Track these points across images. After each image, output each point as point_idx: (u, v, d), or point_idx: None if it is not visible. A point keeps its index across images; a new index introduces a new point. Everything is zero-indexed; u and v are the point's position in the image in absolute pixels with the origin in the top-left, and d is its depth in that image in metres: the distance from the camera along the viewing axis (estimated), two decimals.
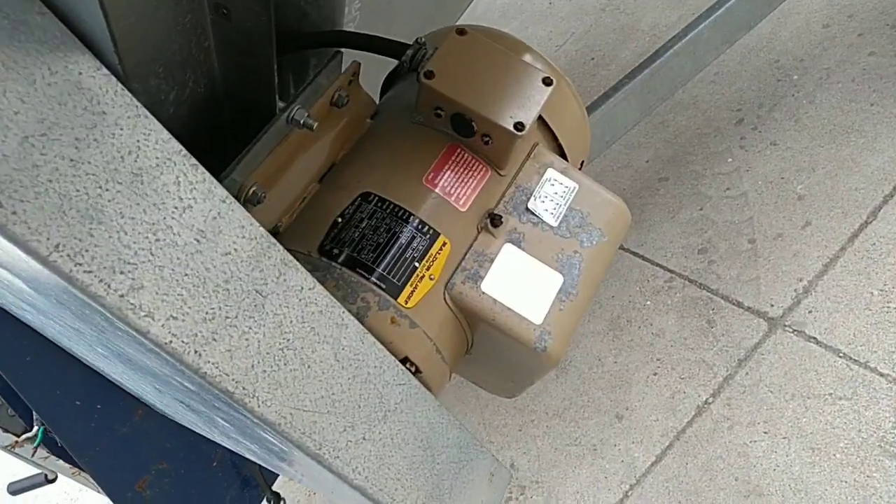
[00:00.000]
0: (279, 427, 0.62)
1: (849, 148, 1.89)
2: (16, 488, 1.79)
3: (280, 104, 0.90)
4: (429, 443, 0.78)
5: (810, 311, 1.69)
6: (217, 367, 0.57)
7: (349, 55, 0.92)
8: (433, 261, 0.85)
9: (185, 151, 0.54)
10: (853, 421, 1.51)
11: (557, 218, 0.92)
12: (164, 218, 0.53)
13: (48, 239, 0.46)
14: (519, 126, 0.84)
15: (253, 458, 1.14)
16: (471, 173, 0.90)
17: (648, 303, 1.89)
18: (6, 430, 1.56)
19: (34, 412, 1.17)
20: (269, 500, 1.49)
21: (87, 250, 0.48)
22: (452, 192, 0.89)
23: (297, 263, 0.62)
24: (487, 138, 0.87)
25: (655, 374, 1.78)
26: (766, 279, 1.79)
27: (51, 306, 0.69)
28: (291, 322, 0.62)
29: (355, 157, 0.92)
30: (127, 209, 0.51)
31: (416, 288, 0.83)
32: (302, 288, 0.63)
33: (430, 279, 0.84)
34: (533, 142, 0.95)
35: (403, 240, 0.84)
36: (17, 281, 0.66)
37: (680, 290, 1.88)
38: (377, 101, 1.01)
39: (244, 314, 0.59)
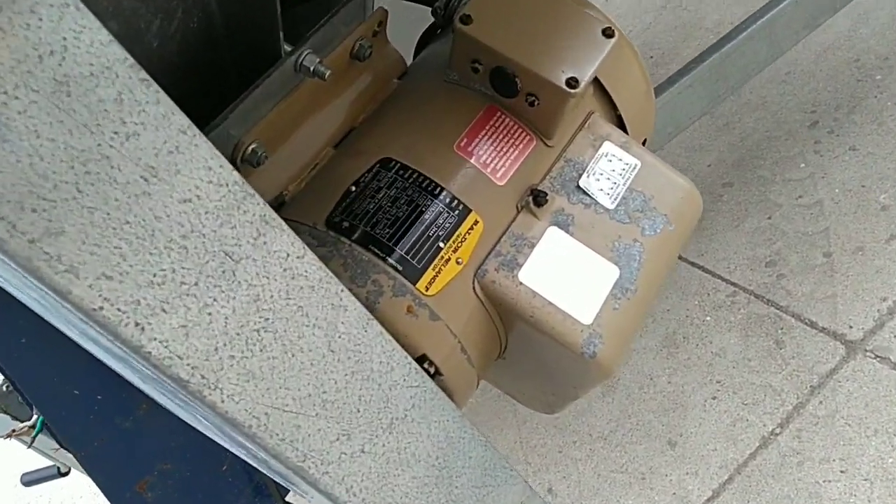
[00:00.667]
0: (250, 429, 0.49)
1: None
2: (29, 479, 1.72)
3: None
4: (445, 461, 0.63)
5: (895, 335, 1.49)
6: (166, 347, 0.44)
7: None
8: (462, 242, 0.70)
9: (132, 61, 0.41)
10: None
11: (614, 199, 0.77)
12: (99, 145, 0.40)
13: None
14: (572, 82, 0.70)
15: (252, 464, 1.01)
16: (512, 141, 0.76)
17: (708, 318, 1.71)
18: (15, 418, 1.47)
19: (28, 399, 1.06)
20: None
21: None
22: (489, 162, 0.74)
23: (283, 223, 0.49)
24: (533, 98, 0.73)
25: (715, 398, 1.59)
26: (843, 297, 1.59)
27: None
28: (272, 297, 0.49)
29: (377, 121, 0.79)
30: (44, 127, 0.38)
31: (439, 272, 0.69)
32: (288, 255, 0.49)
33: (458, 263, 0.70)
34: (588, 109, 0.81)
35: (427, 215, 0.70)
36: None
37: (744, 305, 1.69)
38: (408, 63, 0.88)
39: (207, 281, 0.45)
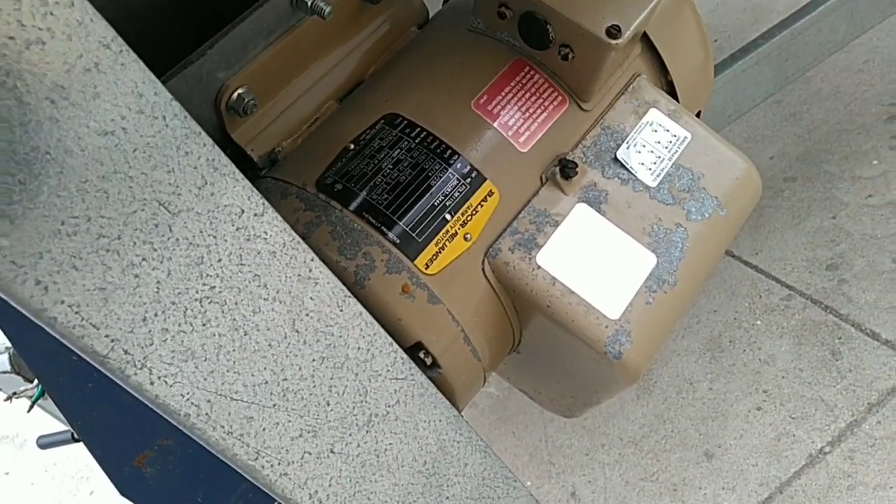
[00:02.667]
0: (187, 419, 0.41)
1: None
2: (45, 442, 1.70)
3: None
4: (435, 468, 0.54)
5: None
6: (77, 313, 0.36)
7: None
8: (472, 214, 0.61)
9: None
10: None
11: (657, 176, 0.66)
12: None
13: None
14: (613, 31, 0.59)
15: None
16: (540, 101, 0.66)
17: (759, 322, 1.58)
18: (26, 379, 1.44)
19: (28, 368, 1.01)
20: None
21: None
22: (511, 124, 0.64)
23: (236, 171, 0.40)
24: (567, 50, 0.63)
25: (759, 408, 1.46)
26: None
27: None
28: (220, 261, 0.40)
29: (389, 73, 0.69)
30: None
31: (443, 248, 0.59)
32: (243, 211, 0.41)
33: (466, 239, 0.60)
34: (634, 71, 0.70)
35: (433, 181, 0.60)
36: None
37: (800, 310, 1.55)
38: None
39: (134, 235, 0.37)
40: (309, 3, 0.59)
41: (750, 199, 0.69)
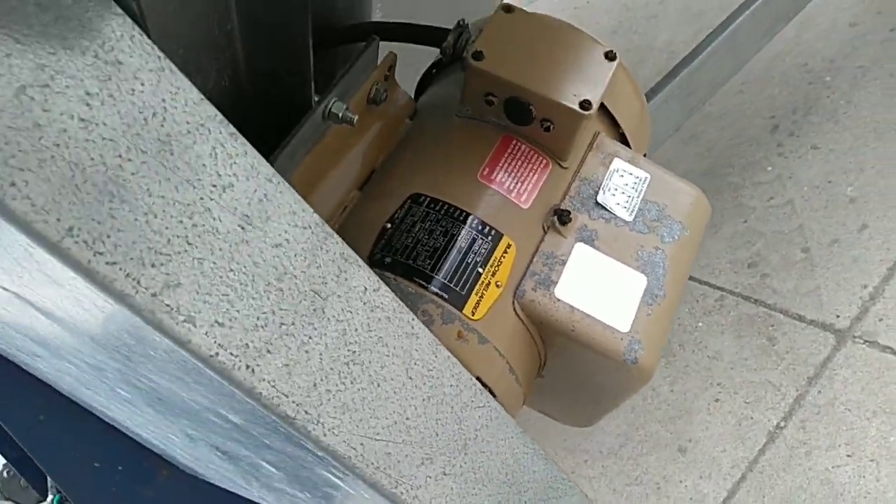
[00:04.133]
0: (349, 461, 0.51)
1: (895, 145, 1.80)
2: None
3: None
4: (513, 477, 0.66)
5: (881, 319, 1.57)
6: (274, 387, 0.46)
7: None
8: (498, 265, 0.74)
9: (221, 117, 0.44)
10: None
11: (631, 211, 0.81)
12: (202, 198, 0.43)
13: (58, 220, 0.36)
14: (585, 104, 0.75)
15: None
16: (530, 166, 0.80)
17: (700, 324, 1.77)
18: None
19: (49, 478, 1.05)
20: None
21: (108, 235, 0.38)
22: (512, 187, 0.78)
23: (358, 259, 0.51)
24: (548, 123, 0.78)
25: (717, 400, 1.64)
26: (826, 289, 1.67)
27: (65, 336, 0.59)
28: (356, 330, 0.51)
29: (398, 161, 0.82)
30: (155, 185, 0.40)
31: (482, 297, 0.72)
32: (366, 289, 0.52)
33: (497, 286, 0.73)
34: (594, 130, 0.85)
35: (463, 243, 0.73)
36: (22, 305, 0.56)
37: (733, 308, 1.75)
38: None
39: (302, 320, 0.48)
40: (339, 115, 0.71)
41: (704, 218, 0.86)
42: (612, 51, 0.79)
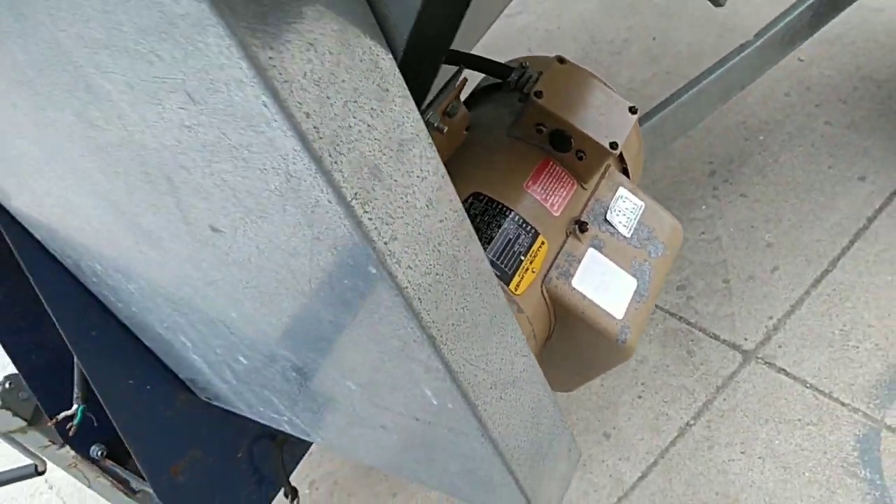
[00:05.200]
0: (456, 375, 0.74)
1: (810, 204, 2.17)
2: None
3: None
4: (536, 413, 0.91)
5: (780, 346, 1.92)
6: (429, 315, 0.69)
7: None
8: (535, 256, 0.99)
9: (426, 132, 0.66)
10: (819, 444, 1.73)
11: (630, 230, 1.08)
12: (412, 183, 0.65)
13: (351, 188, 0.58)
14: (613, 145, 1.01)
15: (292, 424, 1.20)
16: (561, 184, 1.05)
17: None
18: (16, 414, 1.56)
19: (92, 385, 1.21)
20: (286, 494, 1.56)
21: (370, 202, 0.60)
22: (547, 199, 1.03)
23: (477, 238, 0.75)
24: (581, 154, 1.03)
25: (640, 397, 1.95)
26: (739, 316, 2.01)
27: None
28: (470, 286, 0.75)
29: (460, 164, 1.05)
30: (395, 172, 0.63)
31: (522, 278, 0.97)
32: (479, 259, 0.75)
33: (532, 272, 0.98)
34: (606, 162, 1.12)
35: (511, 235, 0.98)
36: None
37: (661, 322, 2.07)
38: None
39: (446, 274, 0.71)
40: (435, 124, 0.94)
41: (679, 242, 1.13)
42: (634, 106, 1.05)
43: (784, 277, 2.04)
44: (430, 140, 0.67)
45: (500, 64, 1.06)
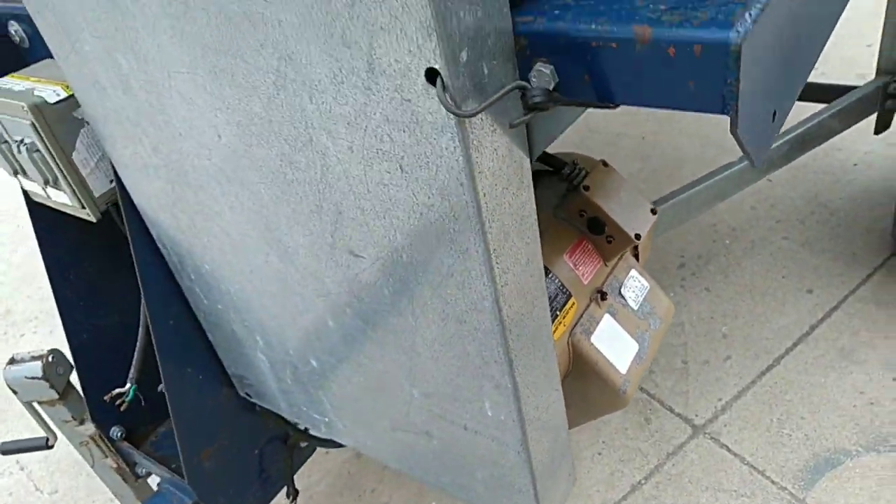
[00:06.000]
0: (519, 394, 0.99)
1: (763, 306, 2.51)
2: (8, 448, 1.89)
3: None
4: (557, 435, 1.16)
5: (725, 425, 2.22)
6: (514, 343, 0.95)
7: None
8: (567, 313, 1.26)
9: (535, 211, 0.93)
10: None
11: (637, 304, 1.36)
12: (522, 247, 0.91)
13: (493, 243, 0.84)
14: (637, 236, 1.30)
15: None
16: (590, 259, 1.34)
17: None
18: (52, 387, 1.72)
19: (160, 366, 1.40)
20: (289, 494, 1.75)
21: (501, 255, 0.86)
22: (579, 269, 1.31)
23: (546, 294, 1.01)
24: (611, 239, 1.32)
25: (600, 453, 2.22)
26: (693, 394, 2.31)
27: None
28: (539, 327, 1.01)
29: None
30: (517, 237, 0.89)
31: (556, 329, 1.23)
32: (546, 308, 1.02)
33: (564, 325, 1.25)
34: (629, 248, 1.41)
35: (551, 293, 1.25)
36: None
37: None
38: None
39: (528, 315, 0.97)
40: None
41: (671, 319, 1.42)
42: (655, 208, 1.35)
43: (735, 366, 2.36)
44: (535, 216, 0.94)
45: (558, 158, 1.35)
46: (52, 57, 1.41)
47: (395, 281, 0.98)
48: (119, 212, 1.39)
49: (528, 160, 0.88)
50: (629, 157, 3.26)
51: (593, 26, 0.73)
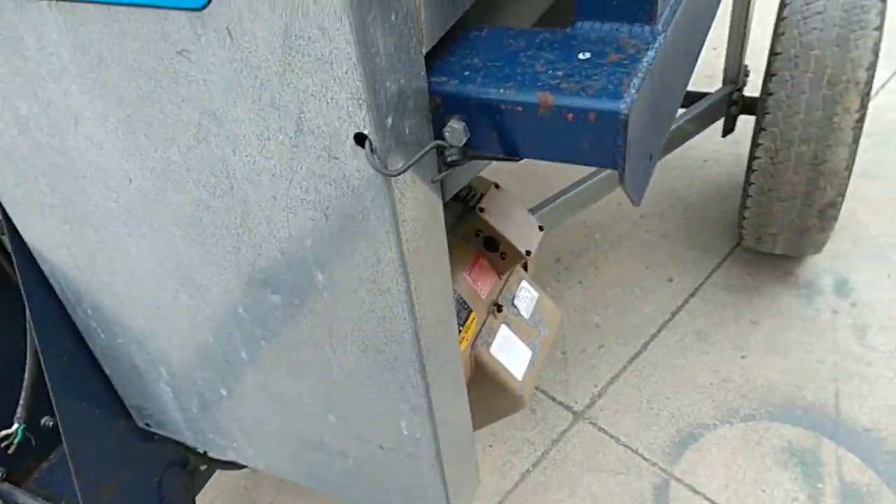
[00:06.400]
0: (434, 413, 1.08)
1: (631, 295, 2.75)
2: None
3: None
4: (464, 444, 1.26)
5: (601, 410, 2.42)
6: (429, 367, 1.03)
7: None
8: (468, 328, 1.36)
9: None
10: (627, 489, 2.22)
11: (528, 313, 1.49)
12: (433, 274, 0.99)
13: (413, 277, 0.92)
14: (528, 252, 1.42)
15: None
16: (487, 274, 1.44)
17: None
18: None
19: (54, 402, 1.37)
20: None
21: (418, 284, 0.94)
22: (478, 285, 1.42)
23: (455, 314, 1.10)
24: (504, 255, 1.43)
25: (491, 446, 2.36)
26: (572, 382, 2.50)
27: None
28: (449, 347, 1.10)
29: None
30: (426, 263, 0.97)
31: (460, 343, 1.33)
32: (454, 327, 1.11)
33: (466, 339, 1.35)
34: (520, 263, 1.52)
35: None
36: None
37: None
38: None
39: (440, 338, 1.05)
40: None
41: (559, 325, 1.56)
42: (542, 226, 1.48)
43: (608, 354, 2.57)
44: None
45: None
46: None
47: (314, 316, 1.03)
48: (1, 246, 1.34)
49: (442, 204, 0.96)
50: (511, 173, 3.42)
51: (501, 91, 0.81)
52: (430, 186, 0.90)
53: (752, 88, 2.62)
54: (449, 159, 0.82)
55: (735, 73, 2.62)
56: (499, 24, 1.09)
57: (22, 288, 1.29)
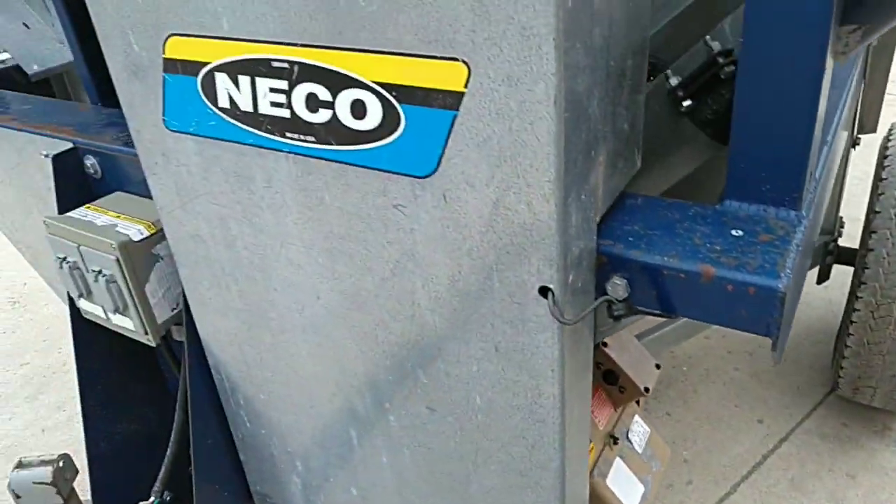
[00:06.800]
0: None
1: (720, 433, 2.75)
2: None
3: None
4: None
5: None
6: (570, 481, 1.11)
7: None
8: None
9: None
10: None
11: (641, 448, 1.56)
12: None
13: (570, 415, 1.02)
14: (647, 389, 1.50)
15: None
16: (605, 406, 1.53)
17: None
18: (58, 493, 1.75)
19: (194, 481, 1.50)
20: None
21: (571, 416, 1.04)
22: (596, 415, 1.50)
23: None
24: (623, 389, 1.52)
25: None
26: None
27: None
28: (581, 469, 1.18)
29: None
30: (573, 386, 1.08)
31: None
32: (587, 445, 1.20)
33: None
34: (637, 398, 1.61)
35: None
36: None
37: None
38: None
39: (574, 450, 1.14)
40: None
41: (667, 460, 1.62)
42: (658, 363, 1.57)
43: (696, 492, 2.56)
44: None
45: None
46: (120, 189, 1.56)
47: (464, 434, 1.14)
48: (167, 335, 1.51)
49: (593, 349, 1.07)
50: None
51: (665, 258, 0.94)
52: (588, 333, 1.02)
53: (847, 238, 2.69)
54: (616, 313, 0.95)
55: (832, 224, 2.70)
56: (639, 187, 1.23)
57: (187, 373, 1.45)
